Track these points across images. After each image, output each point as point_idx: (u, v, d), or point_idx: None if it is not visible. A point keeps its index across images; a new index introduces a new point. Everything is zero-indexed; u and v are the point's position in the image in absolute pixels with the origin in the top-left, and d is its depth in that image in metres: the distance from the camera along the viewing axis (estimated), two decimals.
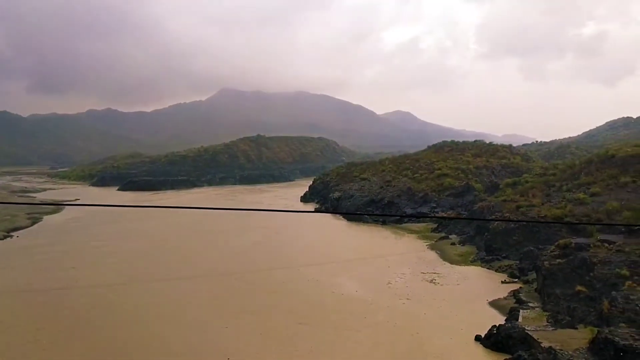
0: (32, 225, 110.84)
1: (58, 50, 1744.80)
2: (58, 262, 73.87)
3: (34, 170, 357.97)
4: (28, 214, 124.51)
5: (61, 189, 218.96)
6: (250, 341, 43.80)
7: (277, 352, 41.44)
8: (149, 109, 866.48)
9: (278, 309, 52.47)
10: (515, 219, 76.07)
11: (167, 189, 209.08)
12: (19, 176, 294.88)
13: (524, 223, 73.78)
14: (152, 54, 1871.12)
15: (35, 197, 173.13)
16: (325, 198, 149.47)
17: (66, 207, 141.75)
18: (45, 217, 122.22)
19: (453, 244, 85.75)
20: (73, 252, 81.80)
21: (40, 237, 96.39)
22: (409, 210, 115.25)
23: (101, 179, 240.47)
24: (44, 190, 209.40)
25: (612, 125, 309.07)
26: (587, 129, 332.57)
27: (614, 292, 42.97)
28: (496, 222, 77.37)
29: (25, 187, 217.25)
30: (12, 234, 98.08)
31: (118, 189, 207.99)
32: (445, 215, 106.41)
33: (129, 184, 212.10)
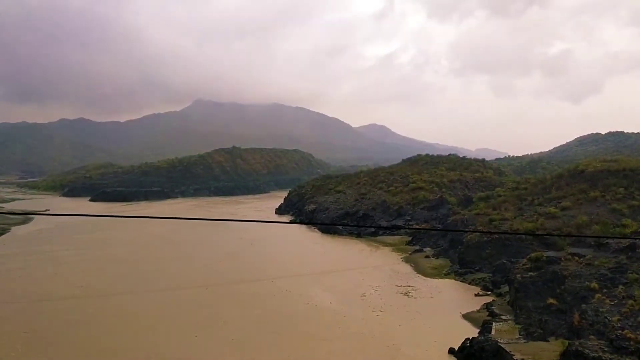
0: None
1: (33, 59, 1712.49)
2: (26, 273, 71.77)
3: (2, 180, 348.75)
4: None
5: (30, 199, 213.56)
6: (221, 350, 43.44)
7: (244, 356, 40.94)
8: (122, 119, 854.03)
9: (250, 320, 51.96)
10: (488, 231, 76.94)
11: (140, 200, 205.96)
12: None
13: (496, 236, 74.68)
14: (127, 64, 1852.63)
15: (2, 207, 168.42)
16: (300, 210, 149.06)
17: (35, 218, 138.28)
18: (13, 228, 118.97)
19: (427, 257, 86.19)
20: (41, 263, 79.55)
21: (6, 248, 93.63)
22: (383, 223, 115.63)
23: (72, 190, 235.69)
24: (13, 200, 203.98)
25: (582, 141, 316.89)
26: (558, 145, 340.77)
27: (584, 305, 43.63)
28: (469, 236, 78.16)
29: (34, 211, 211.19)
30: None
31: (90, 200, 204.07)
32: (419, 227, 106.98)
33: (101, 194, 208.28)
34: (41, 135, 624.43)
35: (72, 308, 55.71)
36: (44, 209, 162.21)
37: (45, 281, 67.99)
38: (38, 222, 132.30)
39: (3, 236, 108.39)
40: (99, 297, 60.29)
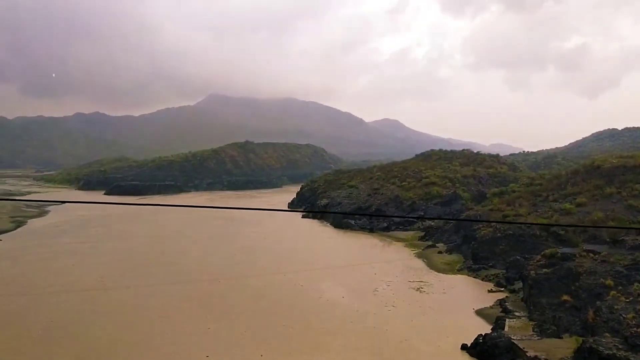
0: (15, 228, 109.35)
1: (51, 54, 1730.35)
2: (44, 265, 72.85)
3: (19, 174, 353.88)
4: (11, 217, 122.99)
5: (46, 192, 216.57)
6: (232, 341, 43.97)
7: (258, 352, 41.34)
8: (136, 113, 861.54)
9: (262, 313, 52.34)
10: (502, 227, 76.53)
11: (153, 193, 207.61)
12: (3, 179, 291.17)
13: (510, 232, 74.31)
14: (142, 58, 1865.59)
15: (19, 201, 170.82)
16: (312, 205, 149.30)
17: (51, 211, 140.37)
18: (30, 221, 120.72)
19: (440, 252, 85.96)
20: (58, 255, 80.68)
21: (24, 240, 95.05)
22: (396, 218, 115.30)
23: (87, 183, 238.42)
24: (29, 193, 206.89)
25: (598, 137, 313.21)
26: (573, 140, 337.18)
27: (598, 302, 43.29)
28: (483, 232, 77.81)
29: (10, 191, 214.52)
30: None
31: (104, 193, 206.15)
32: (433, 223, 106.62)
33: (115, 188, 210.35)
34: (57, 129, 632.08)
35: (90, 299, 56.52)
36: (59, 202, 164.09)
37: (63, 273, 68.99)
38: (54, 215, 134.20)
39: (20, 229, 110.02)
40: (115, 290, 61.06)
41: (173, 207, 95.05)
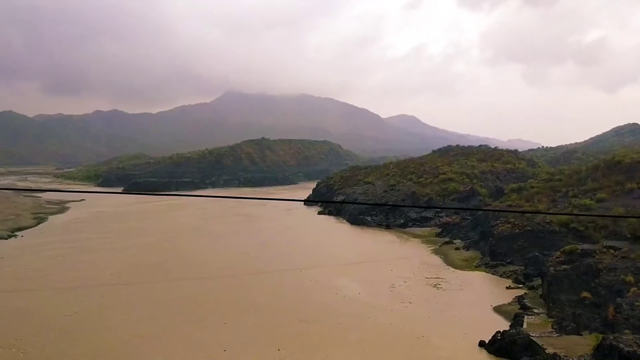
0: (36, 225, 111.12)
1: (70, 52, 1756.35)
2: (64, 260, 73.97)
3: (40, 171, 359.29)
4: (33, 213, 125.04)
5: (67, 189, 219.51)
6: (249, 336, 44.28)
7: (275, 346, 41.53)
8: (154, 110, 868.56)
9: (278, 308, 52.55)
10: (520, 223, 75.81)
11: (171, 190, 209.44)
12: (25, 176, 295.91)
13: (529, 228, 73.55)
14: (160, 56, 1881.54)
15: (40, 197, 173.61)
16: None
17: (71, 208, 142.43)
18: (51, 218, 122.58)
19: (457, 248, 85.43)
20: (78, 250, 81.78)
21: (45, 236, 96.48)
22: (413, 215, 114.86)
23: (106, 180, 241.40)
24: (50, 190, 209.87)
25: (619, 132, 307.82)
26: (593, 135, 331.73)
27: (618, 299, 42.71)
28: (501, 228, 77.11)
29: (30, 187, 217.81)
30: (16, 233, 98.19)
31: (123, 190, 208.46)
32: (450, 219, 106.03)
33: (133, 185, 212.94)
34: (76, 126, 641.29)
35: (108, 294, 57.21)
36: (80, 199, 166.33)
37: (82, 268, 69.96)
38: (74, 212, 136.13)
39: (41, 225, 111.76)
40: (133, 285, 61.78)
41: (191, 204, 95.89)
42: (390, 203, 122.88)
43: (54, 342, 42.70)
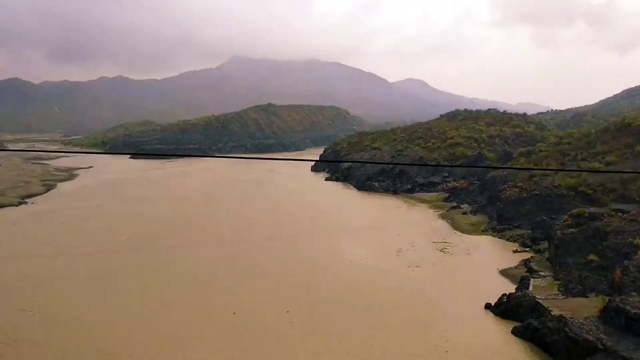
0: (46, 192, 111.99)
1: (76, 18, 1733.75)
2: (75, 227, 74.82)
3: (47, 138, 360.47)
4: (42, 180, 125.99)
5: (75, 156, 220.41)
6: (258, 300, 45.05)
7: (283, 309, 42.30)
8: (160, 76, 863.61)
9: (286, 273, 53.27)
10: (528, 187, 75.57)
11: (178, 157, 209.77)
12: (32, 143, 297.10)
13: (537, 192, 73.37)
14: (165, 22, 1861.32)
15: (49, 165, 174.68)
16: (335, 167, 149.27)
17: (79, 175, 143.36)
18: (59, 184, 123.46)
19: (464, 213, 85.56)
20: (88, 217, 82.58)
21: (55, 202, 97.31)
22: (420, 180, 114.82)
23: (113, 147, 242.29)
24: (57, 157, 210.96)
25: (629, 93, 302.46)
26: (604, 97, 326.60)
27: (626, 262, 42.81)
28: (508, 192, 76.96)
29: (39, 155, 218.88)
30: (26, 200, 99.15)
31: (130, 157, 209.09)
32: (457, 184, 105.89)
33: (141, 152, 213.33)
34: (82, 93, 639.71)
35: (119, 260, 57.99)
36: (87, 166, 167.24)
37: (93, 234, 70.71)
38: (83, 178, 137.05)
39: (50, 192, 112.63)
40: (143, 251, 62.55)
41: (199, 170, 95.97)
42: (397, 172, 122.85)
43: (71, 307, 43.47)
